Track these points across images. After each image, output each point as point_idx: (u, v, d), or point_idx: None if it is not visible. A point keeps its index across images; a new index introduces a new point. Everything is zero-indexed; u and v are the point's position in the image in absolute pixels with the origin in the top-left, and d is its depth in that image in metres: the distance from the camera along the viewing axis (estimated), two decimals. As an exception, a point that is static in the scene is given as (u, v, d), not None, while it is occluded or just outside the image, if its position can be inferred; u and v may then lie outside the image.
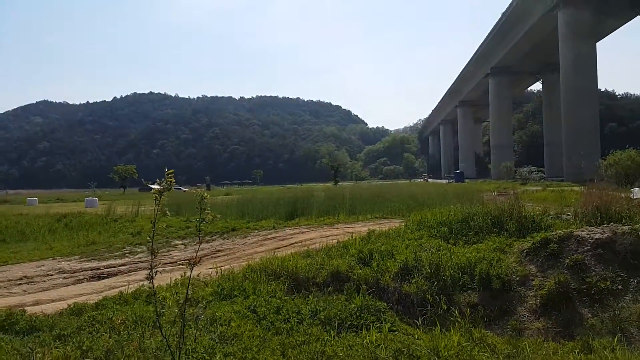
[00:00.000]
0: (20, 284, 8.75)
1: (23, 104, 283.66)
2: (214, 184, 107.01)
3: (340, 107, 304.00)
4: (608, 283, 5.47)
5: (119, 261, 10.96)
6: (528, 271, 6.29)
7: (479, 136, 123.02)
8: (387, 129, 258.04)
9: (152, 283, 3.54)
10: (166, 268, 9.76)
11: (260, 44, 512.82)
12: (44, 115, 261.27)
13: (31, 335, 4.43)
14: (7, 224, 18.39)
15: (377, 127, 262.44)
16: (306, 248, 9.31)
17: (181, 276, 7.29)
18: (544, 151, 71.44)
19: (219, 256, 11.26)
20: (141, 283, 7.93)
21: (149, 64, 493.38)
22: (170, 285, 6.57)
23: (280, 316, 4.81)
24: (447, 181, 64.63)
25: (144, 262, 10.75)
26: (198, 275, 7.56)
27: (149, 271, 9.18)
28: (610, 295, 5.38)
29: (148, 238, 12.12)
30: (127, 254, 11.97)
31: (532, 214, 8.57)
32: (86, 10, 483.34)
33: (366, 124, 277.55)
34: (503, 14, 61.59)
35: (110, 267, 10.14)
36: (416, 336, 4.74)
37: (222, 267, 9.34)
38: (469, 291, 6.18)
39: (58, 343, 4.23)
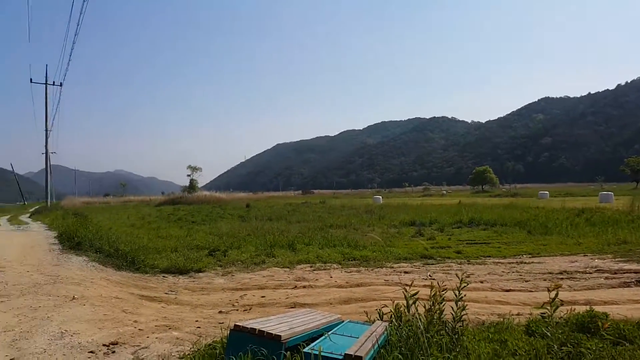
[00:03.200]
0: (562, 278, 8.93)
1: (525, 103, 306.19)
2: None
3: None
4: None
5: (665, 267, 9.53)
6: None
7: None
8: None
9: None
10: None
11: None
12: (546, 112, 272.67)
13: (623, 344, 4.14)
14: (528, 216, 19.76)
15: None
16: None
17: None
18: None
19: None
20: None
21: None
22: None
23: None
24: None
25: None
26: None
27: None
28: None
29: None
30: (672, 259, 10.30)
31: None
32: None
33: None
34: None
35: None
36: None
37: None
38: None
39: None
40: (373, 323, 4.37)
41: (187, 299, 7.76)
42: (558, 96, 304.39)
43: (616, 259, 10.63)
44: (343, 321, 4.66)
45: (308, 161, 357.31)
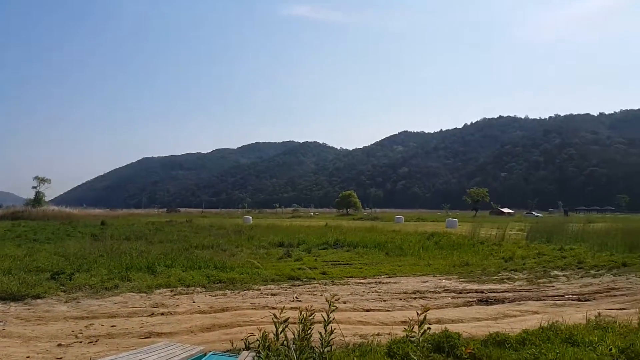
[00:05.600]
0: (415, 297, 9.56)
1: (388, 135, 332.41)
2: (569, 210, 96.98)
3: None
4: None
5: (499, 286, 10.74)
6: None
7: None
8: None
9: None
10: (557, 302, 8.94)
11: (621, 51, 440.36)
12: (404, 144, 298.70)
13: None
14: (386, 239, 21.11)
15: None
16: None
17: (596, 315, 6.43)
18: None
19: (615, 295, 9.64)
20: (537, 316, 7.42)
21: (498, 89, 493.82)
22: (591, 326, 5.73)
23: None
24: None
25: (526, 290, 10.21)
26: (598, 316, 6.53)
27: (538, 302, 8.51)
28: None
29: (523, 265, 11.52)
30: (505, 280, 11.67)
31: None
32: (436, 45, 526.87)
33: None
34: None
35: (494, 292, 9.99)
36: None
37: (626, 310, 7.90)
38: None
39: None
40: (239, 354, 4.14)
41: (19, 330, 6.62)
42: (415, 130, 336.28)
43: (460, 280, 11.75)
44: (206, 354, 4.34)
45: (176, 178, 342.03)
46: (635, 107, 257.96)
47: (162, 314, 7.79)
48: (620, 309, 8.12)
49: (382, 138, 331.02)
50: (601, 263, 13.24)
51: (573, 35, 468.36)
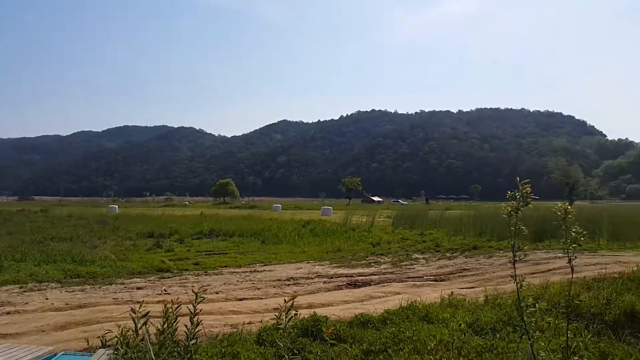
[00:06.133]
0: (289, 284, 9.71)
1: (268, 123, 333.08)
2: (430, 198, 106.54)
3: (573, 117, 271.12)
4: None
5: (367, 270, 11.36)
6: None
7: None
8: (632, 141, 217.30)
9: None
10: (416, 283, 9.71)
11: (483, 55, 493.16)
12: (284, 133, 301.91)
13: (338, 345, 4.61)
14: (263, 227, 21.17)
15: (618, 139, 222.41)
16: (576, 276, 8.14)
17: (449, 294, 7.08)
18: None
19: (466, 275, 10.71)
20: (399, 296, 7.97)
21: (371, 83, 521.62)
22: (445, 305, 6.29)
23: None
24: None
25: (391, 273, 10.93)
26: (451, 294, 7.23)
27: (401, 284, 9.14)
28: None
29: (389, 249, 12.28)
30: (372, 264, 12.38)
31: None
32: (316, 39, 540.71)
33: (605, 136, 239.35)
34: None
35: (362, 276, 10.54)
36: None
37: (474, 289, 8.86)
38: None
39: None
40: (95, 352, 3.79)
41: None
42: (295, 120, 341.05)
43: (332, 265, 12.21)
44: (56, 354, 3.91)
45: (30, 162, 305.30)
46: (489, 106, 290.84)
47: (8, 313, 6.92)
48: (470, 288, 9.06)
49: (262, 126, 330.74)
50: (455, 246, 14.70)
51: (438, 37, 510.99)
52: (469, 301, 6.70)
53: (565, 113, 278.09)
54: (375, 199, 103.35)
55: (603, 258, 11.22)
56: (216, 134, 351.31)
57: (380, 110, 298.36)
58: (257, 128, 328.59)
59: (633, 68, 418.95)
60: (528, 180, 3.15)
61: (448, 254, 13.73)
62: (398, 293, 8.54)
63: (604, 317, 5.90)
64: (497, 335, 4.83)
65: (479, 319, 5.26)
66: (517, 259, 3.41)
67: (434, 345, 3.96)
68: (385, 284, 9.65)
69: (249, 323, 6.16)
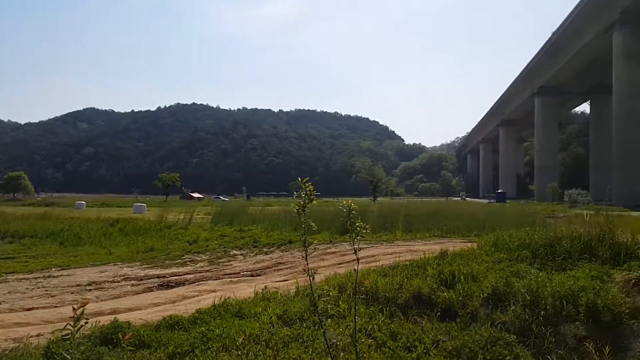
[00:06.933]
0: (90, 289, 8.78)
1: (71, 110, 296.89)
2: (251, 195, 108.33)
3: (378, 122, 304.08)
4: None
5: (182, 269, 10.93)
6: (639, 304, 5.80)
7: (520, 156, 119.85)
8: (424, 146, 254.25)
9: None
10: (232, 279, 9.66)
11: (302, 57, 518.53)
12: (90, 122, 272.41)
13: (142, 350, 4.25)
14: (62, 227, 18.85)
15: (413, 144, 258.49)
16: (374, 265, 9.06)
17: (263, 288, 7.17)
18: (589, 174, 69.12)
19: (281, 269, 11.06)
20: (214, 294, 7.81)
21: (192, 76, 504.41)
22: (258, 299, 6.35)
23: (399, 343, 4.51)
24: (487, 201, 62.96)
25: (207, 271, 10.69)
26: (265, 288, 7.39)
27: (217, 281, 9.05)
28: None
29: (207, 247, 12.10)
30: (188, 262, 11.96)
31: (625, 240, 8.02)
32: (132, 22, 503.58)
33: (403, 140, 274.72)
34: (554, 33, 60.21)
35: (176, 276, 10.10)
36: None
37: (288, 281, 9.19)
38: (576, 323, 5.72)
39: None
40: None
41: None
42: (104, 108, 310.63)
43: (143, 266, 11.44)
44: None
45: None
46: (306, 108, 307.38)
47: None
48: (284, 281, 9.35)
49: (64, 113, 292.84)
50: (272, 241, 15.05)
51: (261, 35, 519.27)
52: (282, 294, 6.89)
53: (371, 118, 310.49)
54: (195, 195, 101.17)
55: (398, 247, 12.68)
56: (5, 120, 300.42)
57: (201, 104, 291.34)
58: (58, 115, 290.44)
59: (419, 81, 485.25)
60: (307, 178, 3.37)
61: (265, 249, 14.00)
62: (213, 291, 8.37)
63: (397, 300, 6.62)
64: (304, 324, 5.04)
65: (288, 310, 5.43)
66: (307, 253, 3.60)
67: (242, 340, 3.94)
68: (201, 282, 9.39)
69: (38, 335, 5.42)
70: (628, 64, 45.43)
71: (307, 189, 3.34)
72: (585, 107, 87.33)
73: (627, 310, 5.80)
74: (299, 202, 3.42)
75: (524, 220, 16.35)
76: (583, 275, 6.79)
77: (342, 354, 3.96)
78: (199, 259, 12.53)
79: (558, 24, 59.07)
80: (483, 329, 5.05)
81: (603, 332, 5.61)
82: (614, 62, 47.51)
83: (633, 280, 6.26)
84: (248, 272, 10.54)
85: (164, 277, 9.96)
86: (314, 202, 3.44)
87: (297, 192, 3.42)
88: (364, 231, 3.53)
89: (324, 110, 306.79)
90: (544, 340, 5.39)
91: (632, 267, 6.90)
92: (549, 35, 62.67)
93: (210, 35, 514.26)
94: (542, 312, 5.82)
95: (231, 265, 11.56)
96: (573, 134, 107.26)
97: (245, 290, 7.97)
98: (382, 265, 8.58)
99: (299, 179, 3.43)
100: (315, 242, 14.60)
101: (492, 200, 62.39)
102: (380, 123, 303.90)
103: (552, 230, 9.48)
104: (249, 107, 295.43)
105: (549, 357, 5.04)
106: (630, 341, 5.46)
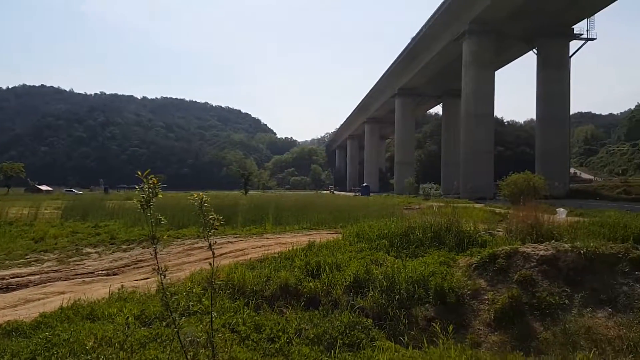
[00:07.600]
0: None
1: None
2: (109, 188, 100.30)
3: (250, 115, 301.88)
4: (556, 298, 5.85)
5: (25, 270, 9.71)
6: (479, 285, 6.54)
7: (383, 152, 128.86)
8: (295, 140, 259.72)
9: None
10: (85, 279, 8.82)
11: (169, 45, 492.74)
12: None
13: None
14: None
15: (285, 138, 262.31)
16: (243, 259, 8.98)
17: (119, 288, 6.64)
18: (441, 170, 76.89)
19: (142, 267, 10.39)
20: (62, 296, 7.06)
21: (43, 55, 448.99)
22: (113, 299, 5.87)
23: (263, 335, 4.46)
24: (353, 194, 66.52)
25: (55, 271, 9.64)
26: (122, 288, 6.90)
27: (67, 282, 8.29)
28: (559, 309, 5.75)
29: (55, 245, 10.98)
30: (32, 262, 10.66)
31: (468, 229, 9.01)
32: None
33: (275, 134, 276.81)
34: (413, 38, 65.22)
35: (18, 277, 8.93)
36: (414, 356, 4.66)
37: (149, 280, 8.66)
38: (426, 305, 6.27)
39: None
40: None
41: None
42: None
43: (-24, 268, 9.92)
44: None
45: None
46: (174, 96, 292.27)
47: None
48: (144, 279, 8.79)
49: None
50: (133, 237, 14.10)
51: (124, 14, 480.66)
52: (141, 293, 6.48)
53: (243, 111, 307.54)
54: (44, 187, 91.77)
55: (268, 241, 12.71)
56: None
57: (52, 87, 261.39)
58: None
59: (293, 75, 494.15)
60: (149, 171, 3.28)
61: (124, 246, 13.06)
62: (62, 293, 7.57)
63: (264, 293, 6.62)
64: (164, 323, 4.79)
65: (147, 310, 5.11)
66: (157, 250, 3.47)
67: (92, 343, 3.60)
68: (48, 284, 8.43)
69: None
70: (474, 70, 51.18)
71: (151, 182, 3.21)
72: (438, 109, 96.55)
73: (469, 292, 6.52)
74: (142, 197, 3.25)
75: (384, 212, 17.56)
76: (432, 261, 7.46)
77: (202, 351, 3.83)
78: (46, 257, 11.24)
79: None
80: (343, 315, 5.28)
81: (449, 313, 6.22)
82: (463, 68, 53.13)
83: (474, 265, 7.03)
84: (104, 271, 9.72)
85: (3, 278, 8.74)
86: (160, 195, 3.31)
87: (139, 185, 3.24)
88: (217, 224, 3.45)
89: (193, 100, 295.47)
90: (398, 322, 5.80)
91: (473, 252, 7.75)
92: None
93: (59, 9, 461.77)
94: (397, 297, 6.27)
95: (84, 264, 10.57)
96: (428, 132, 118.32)
97: (99, 290, 7.34)
98: (250, 259, 8.51)
99: (139, 172, 3.28)
100: (175, 237, 14.03)
101: (357, 194, 66.01)
102: (253, 116, 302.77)
103: (407, 221, 10.28)
104: (107, 93, 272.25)
105: (401, 338, 5.42)
106: (471, 319, 6.14)
